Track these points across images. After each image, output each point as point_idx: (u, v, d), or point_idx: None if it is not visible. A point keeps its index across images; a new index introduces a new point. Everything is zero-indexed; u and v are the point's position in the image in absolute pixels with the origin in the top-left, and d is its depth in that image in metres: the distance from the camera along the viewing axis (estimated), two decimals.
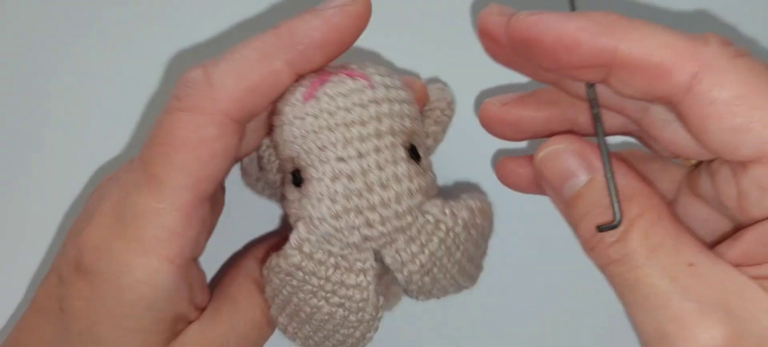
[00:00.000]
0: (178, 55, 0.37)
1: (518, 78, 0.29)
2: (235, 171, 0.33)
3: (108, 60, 0.37)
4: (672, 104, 0.24)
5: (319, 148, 0.26)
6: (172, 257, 0.26)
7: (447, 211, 0.28)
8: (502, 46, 0.26)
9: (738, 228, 0.25)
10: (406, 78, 0.30)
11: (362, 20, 0.27)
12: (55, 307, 0.28)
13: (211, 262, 0.32)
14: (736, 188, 0.24)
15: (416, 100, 0.29)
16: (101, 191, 0.30)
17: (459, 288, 0.31)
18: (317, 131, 0.26)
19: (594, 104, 0.26)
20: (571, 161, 0.26)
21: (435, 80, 0.29)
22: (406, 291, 0.29)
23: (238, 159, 0.31)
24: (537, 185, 0.29)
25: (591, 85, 0.26)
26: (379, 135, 0.27)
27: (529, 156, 0.29)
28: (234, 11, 0.37)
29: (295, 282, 0.28)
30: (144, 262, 0.26)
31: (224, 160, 0.27)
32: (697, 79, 0.23)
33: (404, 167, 0.27)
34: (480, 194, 0.31)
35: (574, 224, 0.26)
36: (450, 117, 0.32)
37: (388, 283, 0.31)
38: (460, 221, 0.28)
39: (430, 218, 0.27)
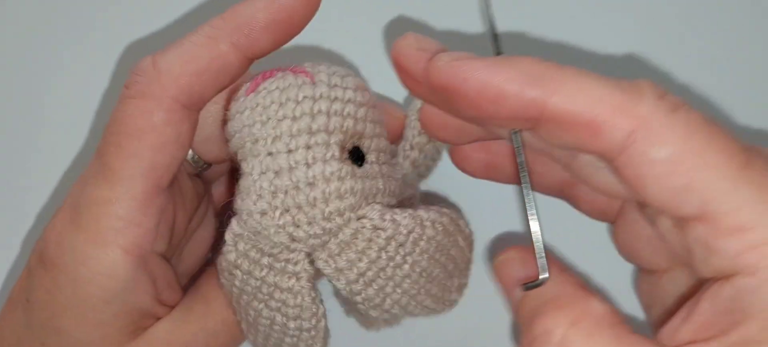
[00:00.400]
0: (133, 47, 0.38)
1: None
2: None
3: (61, 56, 0.38)
4: (604, 160, 0.23)
5: (252, 142, 0.26)
6: (129, 247, 0.26)
7: (387, 217, 0.26)
8: (420, 86, 0.24)
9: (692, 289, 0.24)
10: (387, 106, 0.30)
11: (312, 3, 0.27)
12: (23, 299, 0.28)
13: None
14: (681, 242, 0.23)
15: (390, 129, 0.29)
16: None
17: (426, 310, 0.30)
18: (251, 125, 0.26)
19: (518, 152, 0.25)
20: (517, 270, 0.26)
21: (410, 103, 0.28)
22: (359, 306, 0.28)
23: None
24: (490, 170, 0.29)
25: (515, 132, 0.25)
26: (311, 132, 0.26)
27: (484, 143, 0.29)
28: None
29: (237, 282, 0.28)
30: (100, 253, 0.26)
31: (177, 146, 0.27)
32: (632, 138, 0.22)
33: (335, 165, 0.26)
34: (450, 210, 0.29)
35: (522, 328, 0.25)
36: (437, 159, 0.31)
37: (347, 300, 0.30)
38: (402, 230, 0.26)
39: (367, 223, 0.26)
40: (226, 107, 0.28)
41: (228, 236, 0.27)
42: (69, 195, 0.28)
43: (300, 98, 0.26)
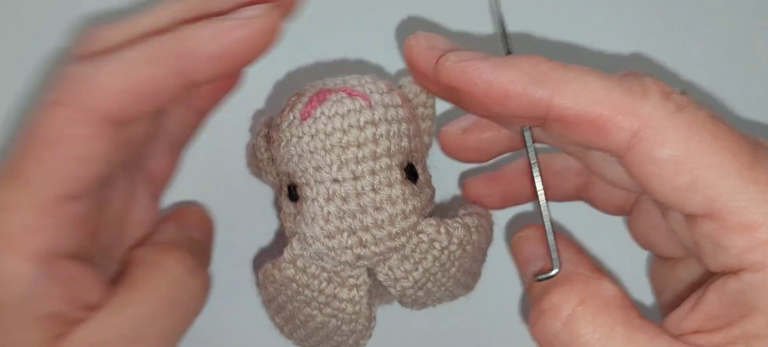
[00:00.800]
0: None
1: None
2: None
3: None
4: (614, 157, 0.23)
5: (315, 168, 0.26)
6: (34, 253, 0.25)
7: (442, 230, 0.27)
8: (432, 82, 0.25)
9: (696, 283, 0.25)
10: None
11: (267, 38, 0.25)
12: None
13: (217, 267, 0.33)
14: (690, 236, 0.24)
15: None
16: None
17: (454, 297, 0.31)
18: (313, 152, 0.27)
19: (530, 148, 0.26)
20: (534, 249, 0.27)
21: (404, 74, 0.29)
22: (400, 303, 0.30)
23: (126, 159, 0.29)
24: (508, 199, 0.29)
25: (527, 129, 0.25)
26: (375, 157, 0.27)
27: (494, 174, 0.29)
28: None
29: (289, 292, 0.28)
30: (5, 259, 0.25)
31: (95, 161, 0.25)
32: (637, 138, 0.22)
33: (399, 189, 0.27)
34: (479, 209, 0.30)
35: (531, 303, 0.26)
36: (433, 106, 0.31)
37: (382, 292, 0.31)
38: (455, 240, 0.28)
39: (425, 237, 0.27)
40: (270, 129, 0.29)
41: (287, 254, 0.27)
42: None
43: (362, 124, 0.27)
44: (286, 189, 0.28)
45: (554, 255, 0.25)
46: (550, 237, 0.26)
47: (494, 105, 0.23)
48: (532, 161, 0.26)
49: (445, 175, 0.33)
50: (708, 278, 0.24)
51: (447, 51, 0.25)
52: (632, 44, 0.38)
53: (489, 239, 0.31)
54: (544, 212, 0.26)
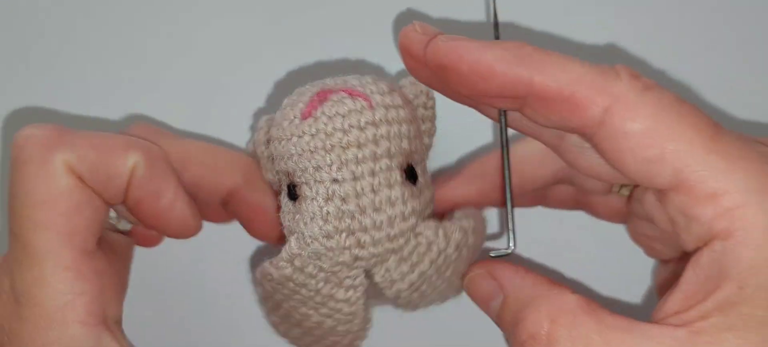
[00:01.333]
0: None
1: None
2: None
3: None
4: (586, 136, 0.24)
5: (315, 168, 0.26)
6: (82, 318, 0.25)
7: (440, 233, 0.27)
8: (422, 66, 0.26)
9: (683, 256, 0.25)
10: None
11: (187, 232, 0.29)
12: None
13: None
14: (665, 214, 0.24)
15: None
16: None
17: (445, 300, 0.31)
18: (313, 151, 0.26)
19: (503, 130, 0.27)
20: (486, 286, 0.27)
21: (404, 75, 0.29)
22: (394, 304, 0.30)
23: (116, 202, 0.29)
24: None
25: (503, 112, 0.27)
26: (375, 158, 0.27)
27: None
28: None
29: (285, 291, 0.28)
30: (58, 333, 0.25)
31: (92, 208, 0.26)
32: (609, 113, 0.23)
33: (399, 190, 0.27)
34: (474, 211, 0.30)
35: (508, 339, 0.26)
36: (433, 107, 0.31)
37: (378, 294, 0.31)
38: (452, 243, 0.28)
39: (423, 240, 0.27)
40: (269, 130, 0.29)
41: (285, 253, 0.27)
42: (1, 293, 0.26)
43: (363, 124, 0.27)
44: (285, 188, 0.28)
45: (511, 234, 0.27)
46: (510, 216, 0.27)
47: (480, 82, 0.24)
48: (502, 142, 0.27)
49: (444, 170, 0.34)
50: None
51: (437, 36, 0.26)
52: (614, 37, 0.39)
53: (483, 241, 0.31)
54: (508, 193, 0.27)
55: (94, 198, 0.26)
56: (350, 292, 0.28)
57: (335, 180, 0.26)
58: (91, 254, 0.26)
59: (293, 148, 0.27)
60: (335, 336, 0.30)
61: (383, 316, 0.33)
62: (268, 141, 0.29)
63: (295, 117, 0.27)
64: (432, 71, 0.25)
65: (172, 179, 0.28)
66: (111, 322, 0.26)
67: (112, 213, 0.30)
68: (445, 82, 0.25)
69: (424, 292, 0.29)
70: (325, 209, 0.26)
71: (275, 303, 0.29)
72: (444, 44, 0.24)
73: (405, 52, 0.26)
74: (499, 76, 0.24)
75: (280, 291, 0.28)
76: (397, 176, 0.27)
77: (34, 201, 0.25)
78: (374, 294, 0.30)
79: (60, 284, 0.25)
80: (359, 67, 0.38)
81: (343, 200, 0.26)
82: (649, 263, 0.32)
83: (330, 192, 0.26)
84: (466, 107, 0.27)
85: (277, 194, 0.30)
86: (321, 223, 0.26)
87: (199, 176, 0.29)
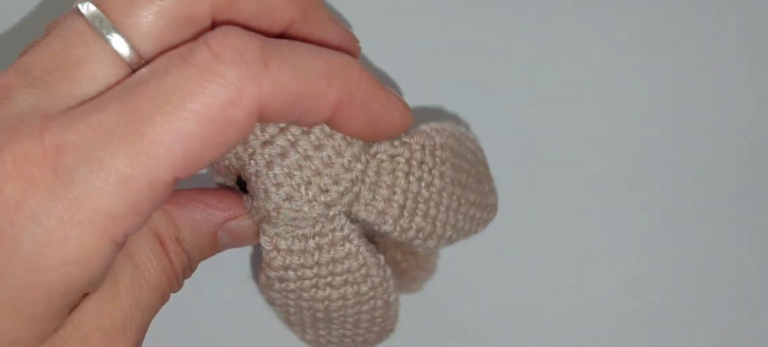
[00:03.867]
0: None
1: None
2: None
3: None
4: None
5: (243, 146, 0.26)
6: (119, 237, 0.21)
7: (396, 143, 0.27)
8: None
9: None
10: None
11: None
12: None
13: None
14: None
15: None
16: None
17: (475, 221, 0.30)
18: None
19: None
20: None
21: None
22: (415, 245, 0.28)
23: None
24: None
25: None
26: None
27: None
28: None
29: (292, 285, 0.27)
30: (81, 236, 0.20)
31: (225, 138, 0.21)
32: None
33: (327, 127, 0.26)
34: (446, 122, 0.29)
35: None
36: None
37: (404, 269, 0.30)
38: (415, 146, 0.27)
39: (383, 156, 0.27)
40: None
41: (264, 242, 0.26)
42: (50, 122, 0.20)
43: None
44: (237, 187, 0.27)
45: None
46: None
47: None
48: None
49: None
50: None
51: None
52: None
53: (467, 147, 0.29)
54: None
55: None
56: (347, 245, 0.27)
57: (265, 143, 0.25)
58: (179, 179, 0.22)
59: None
60: (366, 303, 0.28)
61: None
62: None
63: None
64: None
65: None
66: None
67: None
68: None
69: (429, 214, 0.27)
70: (271, 174, 0.25)
71: (295, 312, 0.28)
72: None
73: None
74: None
75: (287, 289, 0.27)
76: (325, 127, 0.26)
77: (183, 100, 0.20)
78: (388, 247, 0.30)
79: (132, 192, 0.20)
80: None
81: (282, 155, 0.25)
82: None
83: (267, 157, 0.25)
84: None
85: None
86: (275, 190, 0.25)
87: (248, 13, 0.24)
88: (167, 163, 0.20)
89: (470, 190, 0.29)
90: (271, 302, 0.28)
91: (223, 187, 0.29)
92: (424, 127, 0.28)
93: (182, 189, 0.26)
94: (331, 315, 0.28)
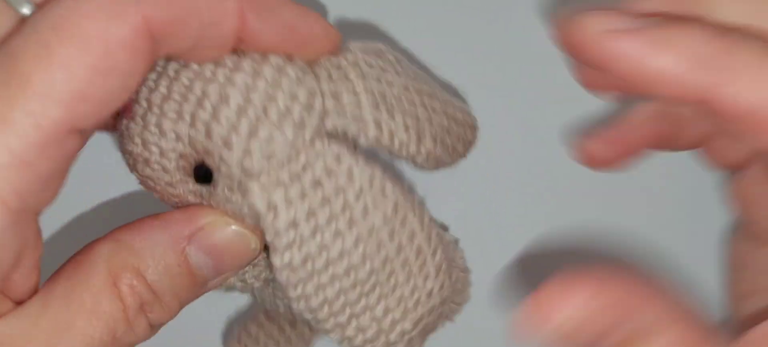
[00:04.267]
0: None
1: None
2: None
3: None
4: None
5: (179, 117, 0.22)
6: (7, 197, 0.18)
7: (335, 54, 0.24)
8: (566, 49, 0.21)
9: None
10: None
11: None
12: None
13: None
14: None
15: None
16: None
17: (455, 135, 0.26)
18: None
19: None
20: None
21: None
22: (402, 155, 0.24)
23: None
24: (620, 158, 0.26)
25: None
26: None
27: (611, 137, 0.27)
28: None
29: (313, 247, 0.23)
30: None
31: (127, 78, 0.19)
32: None
33: (256, 55, 0.22)
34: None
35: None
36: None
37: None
38: (357, 51, 0.24)
39: (327, 65, 0.23)
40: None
41: (256, 200, 0.22)
42: None
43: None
44: (200, 185, 0.23)
45: None
46: None
47: (645, 88, 0.20)
48: None
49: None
50: None
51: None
52: None
53: (397, 57, 0.26)
54: None
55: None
56: (344, 161, 0.23)
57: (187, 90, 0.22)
58: (76, 131, 0.19)
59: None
60: (388, 224, 0.23)
61: None
62: None
63: None
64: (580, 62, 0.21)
65: None
66: (34, 223, 0.20)
67: None
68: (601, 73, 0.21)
69: (413, 114, 0.24)
70: (222, 120, 0.22)
71: (333, 286, 0.23)
72: (594, 42, 0.20)
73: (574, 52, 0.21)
74: (670, 86, 0.19)
75: (310, 256, 0.23)
76: None
77: (73, 34, 0.19)
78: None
79: (17, 141, 0.18)
80: None
81: (222, 99, 0.21)
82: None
83: (204, 106, 0.22)
84: None
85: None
86: (235, 135, 0.22)
87: None
88: (53, 100, 0.18)
89: (436, 99, 0.25)
90: (305, 298, 0.23)
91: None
92: (357, 43, 0.24)
93: (142, 217, 0.23)
94: (375, 264, 0.23)
